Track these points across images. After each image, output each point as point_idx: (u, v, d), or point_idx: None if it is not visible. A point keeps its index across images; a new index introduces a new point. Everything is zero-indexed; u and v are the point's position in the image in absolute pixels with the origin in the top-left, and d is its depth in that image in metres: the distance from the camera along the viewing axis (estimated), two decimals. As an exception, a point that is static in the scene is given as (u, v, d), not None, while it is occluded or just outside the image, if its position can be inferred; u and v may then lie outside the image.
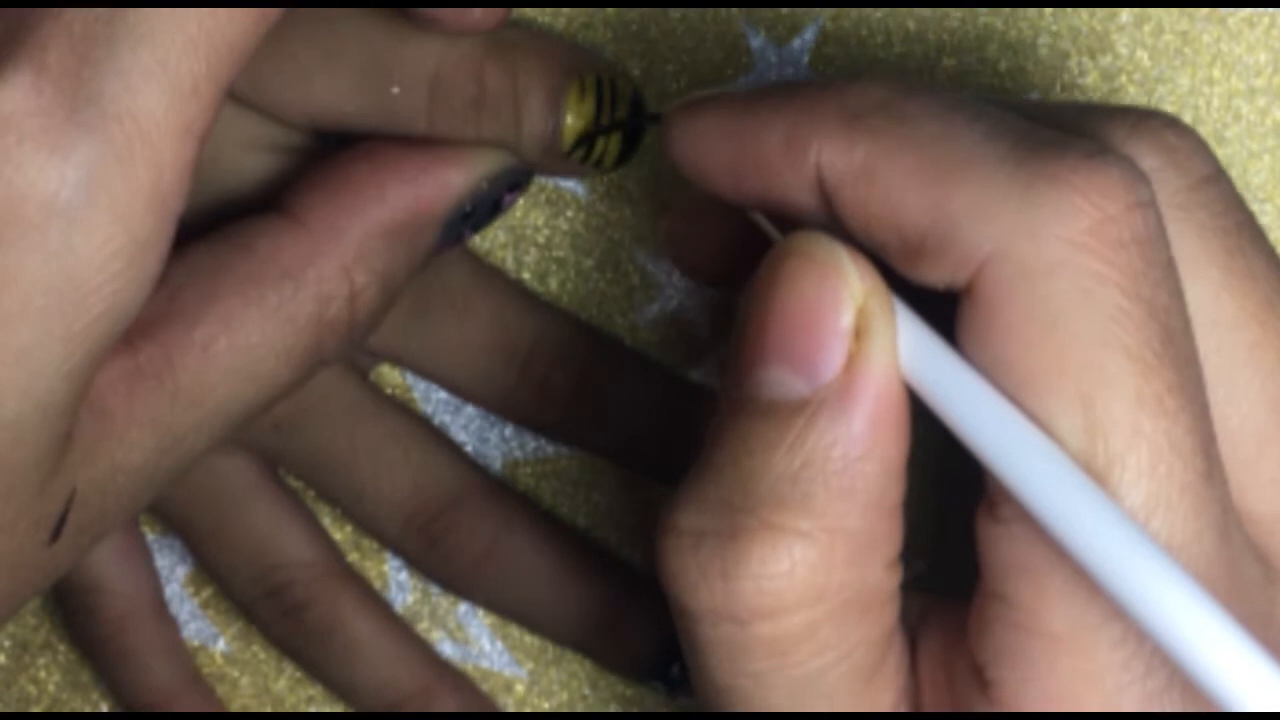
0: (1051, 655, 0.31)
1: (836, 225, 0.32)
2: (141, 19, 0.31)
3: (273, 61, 0.38)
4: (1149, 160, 0.33)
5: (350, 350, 0.40)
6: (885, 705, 0.32)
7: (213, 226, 0.37)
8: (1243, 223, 0.33)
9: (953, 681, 0.33)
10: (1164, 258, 0.31)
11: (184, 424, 0.35)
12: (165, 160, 0.31)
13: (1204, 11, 0.42)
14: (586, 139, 0.39)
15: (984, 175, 0.31)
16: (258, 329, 0.36)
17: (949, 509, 0.40)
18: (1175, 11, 0.42)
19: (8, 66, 0.30)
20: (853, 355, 0.31)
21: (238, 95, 0.38)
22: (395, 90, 0.38)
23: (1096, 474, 0.30)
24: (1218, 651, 0.29)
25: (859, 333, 0.31)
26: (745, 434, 0.32)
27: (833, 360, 0.31)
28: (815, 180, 0.32)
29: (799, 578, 0.31)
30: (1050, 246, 0.30)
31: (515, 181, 0.39)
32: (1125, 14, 0.42)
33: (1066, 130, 0.32)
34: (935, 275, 0.31)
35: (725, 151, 0.34)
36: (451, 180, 0.39)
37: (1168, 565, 0.29)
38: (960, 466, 0.33)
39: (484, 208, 0.39)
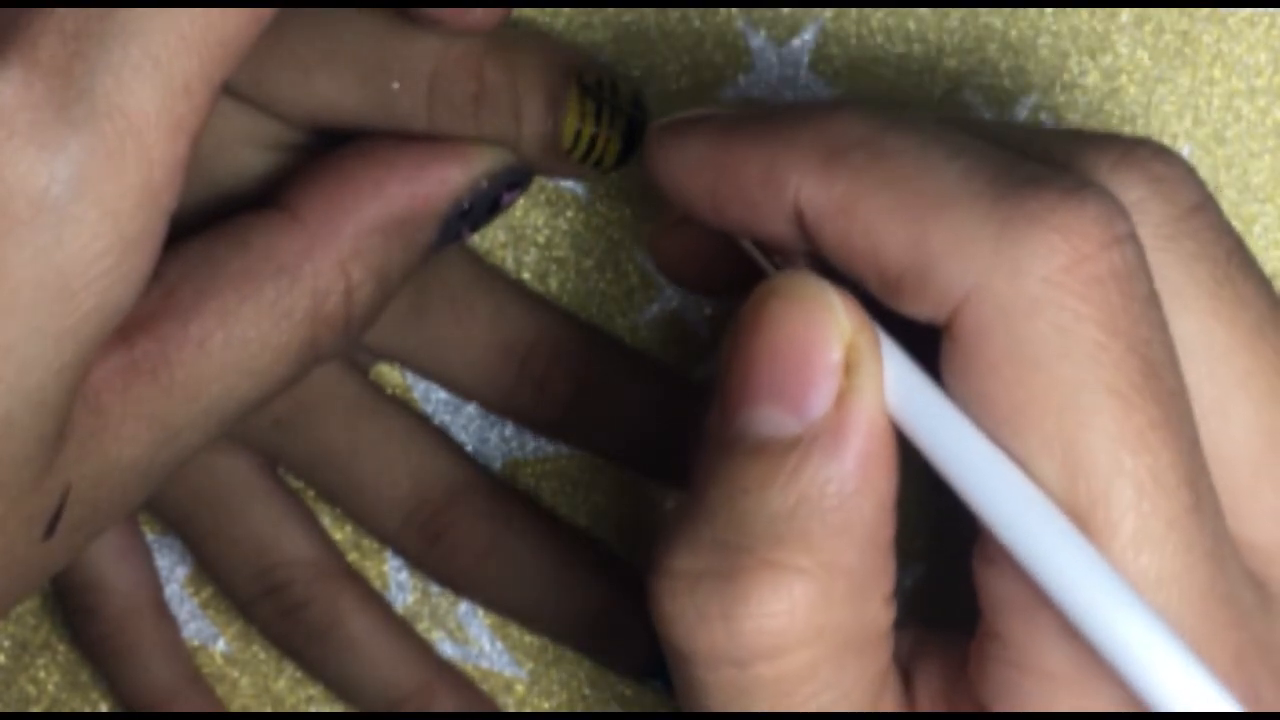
0: (1049, 694, 0.31)
1: (818, 254, 0.33)
2: (134, 16, 0.31)
3: (273, 58, 0.38)
4: (1136, 190, 0.32)
5: (347, 346, 0.40)
6: None
7: (212, 223, 0.38)
8: (1232, 250, 0.33)
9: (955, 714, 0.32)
10: (1144, 291, 0.31)
11: (180, 419, 0.36)
12: (156, 157, 0.31)
13: (1204, 11, 0.42)
14: (588, 141, 0.39)
15: (961, 213, 0.30)
16: (253, 324, 0.36)
17: (947, 513, 0.40)
18: (1175, 11, 0.42)
19: None
20: (843, 392, 0.31)
21: (238, 92, 0.38)
22: (395, 86, 0.38)
23: (1079, 514, 0.30)
24: (1190, 704, 0.29)
25: (848, 369, 0.32)
26: (738, 473, 0.32)
27: (823, 397, 0.31)
28: (795, 214, 0.32)
29: (800, 616, 0.31)
30: (1028, 285, 0.30)
31: (514, 180, 0.39)
32: (1125, 14, 0.42)
33: (1052, 161, 0.32)
34: (916, 310, 0.31)
35: (705, 180, 0.34)
36: (450, 177, 0.39)
37: (1143, 611, 0.29)
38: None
39: (482, 206, 0.39)
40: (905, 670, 0.33)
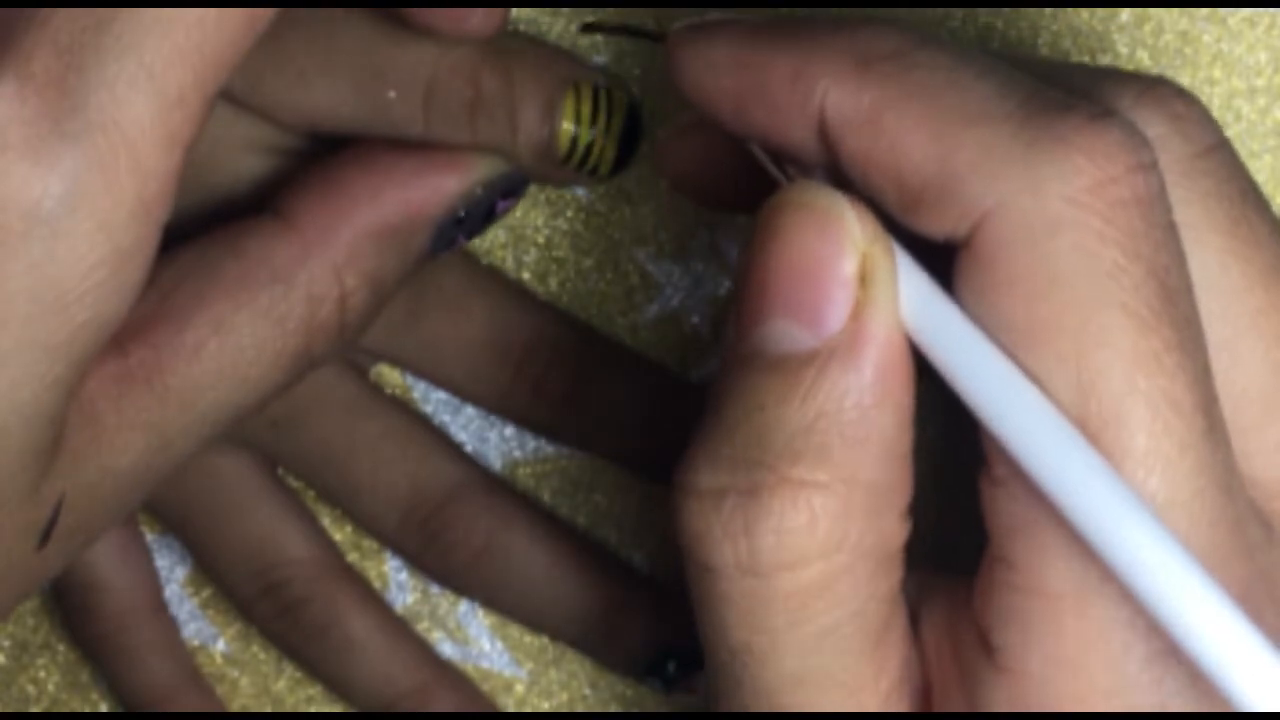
0: (1055, 616, 0.31)
1: (836, 168, 0.32)
2: (128, 28, 0.31)
3: (271, 64, 0.38)
4: (1154, 127, 0.33)
5: (340, 352, 0.40)
6: (891, 670, 0.32)
7: (209, 229, 0.38)
8: (1246, 190, 0.33)
9: (958, 649, 0.32)
10: (1165, 220, 0.31)
11: (174, 427, 0.36)
12: (150, 170, 0.31)
13: (1204, 11, 0.42)
14: (584, 148, 0.39)
15: (989, 130, 0.31)
16: (248, 331, 0.36)
17: (949, 485, 0.40)
18: (1175, 11, 0.42)
19: None
20: (859, 304, 0.31)
21: (236, 97, 0.38)
22: (391, 94, 0.38)
23: (1091, 432, 0.30)
24: (1204, 621, 0.29)
25: (863, 281, 0.31)
26: (755, 388, 0.32)
27: (839, 310, 0.31)
28: (818, 121, 0.32)
29: (820, 529, 0.31)
30: (1051, 204, 0.30)
31: (510, 188, 0.39)
32: (1125, 14, 0.42)
33: (1075, 92, 0.32)
34: (935, 226, 0.31)
35: (729, 80, 0.33)
36: (445, 184, 0.39)
37: (1156, 529, 0.29)
38: (964, 439, 0.33)
39: (478, 213, 0.39)
40: (912, 611, 0.33)
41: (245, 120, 0.39)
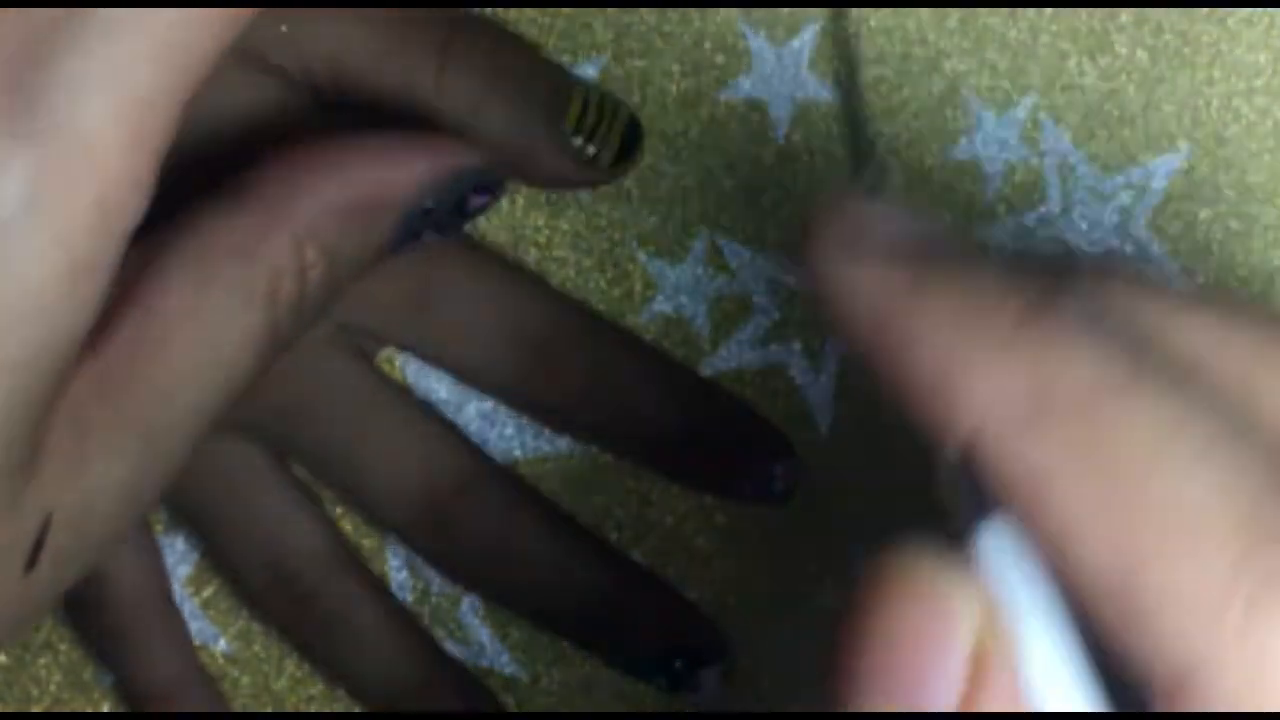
0: None
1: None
2: (94, 24, 0.29)
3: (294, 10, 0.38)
4: None
5: (301, 334, 0.38)
6: None
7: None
8: None
9: None
10: None
11: (160, 422, 0.34)
12: (111, 176, 0.29)
13: (1204, 11, 0.42)
14: (590, 125, 0.40)
15: (1199, 562, 0.24)
16: (214, 309, 0.34)
17: None
18: (1175, 11, 0.42)
19: None
20: (966, 696, 0.26)
21: (259, 39, 0.38)
22: (409, 34, 0.38)
23: None
24: None
25: (976, 666, 0.26)
26: None
27: (942, 700, 0.26)
28: (966, 441, 0.26)
29: None
30: (1269, 676, 0.24)
31: (483, 183, 0.38)
32: (1125, 14, 0.42)
33: None
34: (1116, 639, 0.26)
35: (867, 330, 0.27)
36: (413, 167, 0.37)
37: None
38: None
39: (447, 205, 0.38)
40: None
41: (245, 76, 0.39)
